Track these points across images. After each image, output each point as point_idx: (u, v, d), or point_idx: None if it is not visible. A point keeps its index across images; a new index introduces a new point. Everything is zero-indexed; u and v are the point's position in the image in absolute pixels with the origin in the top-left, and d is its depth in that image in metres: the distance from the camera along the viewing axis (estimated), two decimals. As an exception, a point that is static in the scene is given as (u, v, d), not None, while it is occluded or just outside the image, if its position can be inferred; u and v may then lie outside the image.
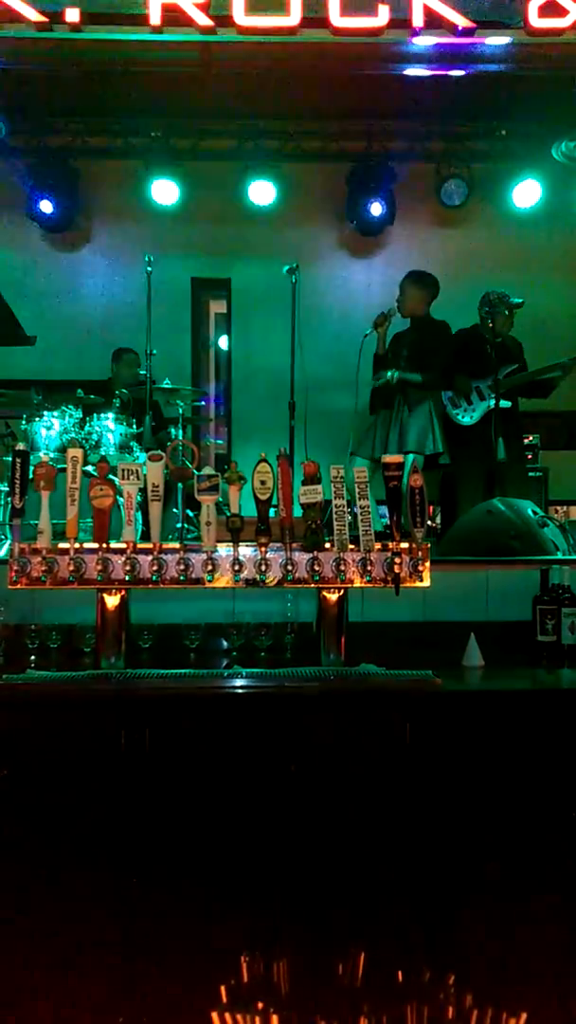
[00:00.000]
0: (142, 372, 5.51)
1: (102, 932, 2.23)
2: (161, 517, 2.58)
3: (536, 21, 4.31)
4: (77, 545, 2.50)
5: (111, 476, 2.59)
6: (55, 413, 4.87)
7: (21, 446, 2.65)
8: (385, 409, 5.18)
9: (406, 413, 5.12)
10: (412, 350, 5.17)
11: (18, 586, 2.50)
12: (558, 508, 6.24)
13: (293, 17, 4.29)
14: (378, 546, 2.54)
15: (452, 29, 4.34)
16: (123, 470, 2.56)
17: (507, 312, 5.21)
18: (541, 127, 6.27)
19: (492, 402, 4.96)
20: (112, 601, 2.59)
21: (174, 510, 4.57)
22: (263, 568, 2.50)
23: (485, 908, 2.27)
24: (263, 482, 2.51)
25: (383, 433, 5.14)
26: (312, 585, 2.56)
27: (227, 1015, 2.15)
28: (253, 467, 2.52)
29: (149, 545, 2.51)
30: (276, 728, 2.29)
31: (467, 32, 4.35)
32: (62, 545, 2.50)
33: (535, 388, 5.33)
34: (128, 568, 2.48)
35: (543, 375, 5.22)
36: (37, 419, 4.84)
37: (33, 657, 2.85)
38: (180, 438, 5.20)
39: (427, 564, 2.54)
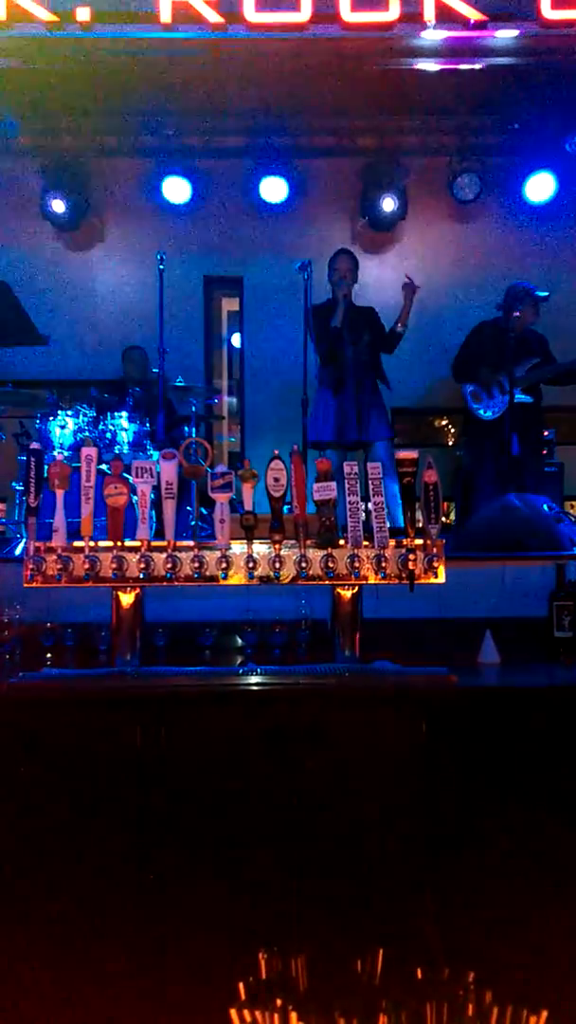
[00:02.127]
0: (154, 370, 5.52)
1: (118, 927, 2.23)
2: (175, 515, 2.58)
3: (549, 13, 4.30)
4: (92, 543, 2.50)
5: (125, 474, 2.60)
6: (69, 412, 4.90)
7: (36, 445, 2.66)
8: (335, 388, 5.13)
9: (367, 396, 5.09)
10: (373, 334, 5.17)
11: (34, 584, 2.50)
12: (574, 503, 6.20)
13: (303, 13, 4.29)
14: (392, 542, 2.53)
15: (463, 22, 4.34)
16: (137, 468, 2.56)
17: (529, 306, 5.16)
18: (554, 120, 6.22)
19: (509, 397, 4.93)
20: (127, 599, 2.60)
21: (188, 508, 4.57)
22: (277, 565, 2.50)
23: (502, 905, 2.26)
24: (276, 479, 2.50)
25: (344, 416, 5.08)
26: (326, 582, 2.55)
27: (245, 1011, 2.15)
28: (266, 464, 2.52)
29: (163, 543, 2.51)
30: (291, 725, 2.29)
31: (479, 25, 4.35)
32: (77, 543, 2.51)
33: (568, 378, 5.27)
34: (142, 566, 2.48)
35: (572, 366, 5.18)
36: (51, 418, 4.86)
37: (49, 655, 2.87)
38: (193, 436, 5.20)
39: (442, 560, 2.53)
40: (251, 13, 4.30)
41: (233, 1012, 2.15)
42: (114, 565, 2.48)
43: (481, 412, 5.28)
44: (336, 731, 2.30)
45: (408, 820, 2.27)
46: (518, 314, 5.02)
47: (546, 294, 5.12)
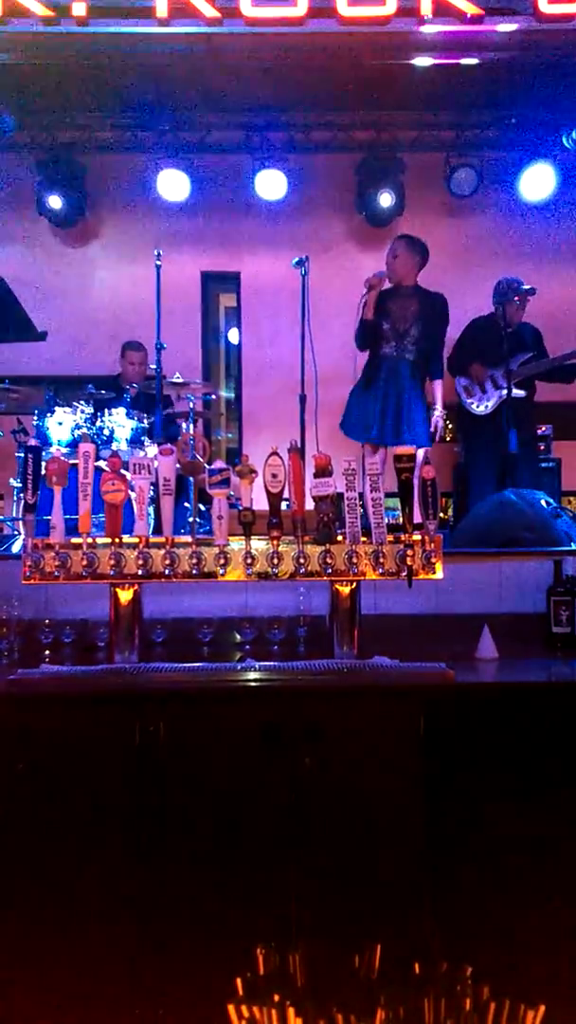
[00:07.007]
0: (152, 366, 5.52)
1: (116, 925, 2.24)
2: (173, 511, 2.58)
3: (545, 7, 4.28)
4: (90, 540, 2.50)
5: (123, 471, 2.60)
6: (66, 408, 4.90)
7: (33, 442, 2.66)
8: (376, 387, 4.99)
9: (408, 398, 4.97)
10: (423, 329, 5.02)
11: (31, 581, 2.50)
12: (571, 499, 6.20)
13: (300, 7, 4.28)
14: (390, 538, 2.53)
15: (460, 16, 4.32)
16: (135, 465, 2.56)
17: (517, 299, 5.17)
18: (552, 114, 6.22)
19: (505, 392, 4.94)
20: (125, 595, 2.60)
21: (186, 504, 4.57)
22: (275, 561, 2.50)
23: (501, 902, 2.26)
24: (274, 475, 2.50)
25: (385, 417, 4.95)
26: (324, 578, 2.55)
27: (243, 1007, 2.16)
28: (264, 460, 2.52)
29: (161, 539, 2.52)
30: (289, 721, 2.29)
31: (475, 19, 4.33)
32: (75, 540, 2.51)
33: (557, 374, 5.29)
34: (141, 562, 2.48)
35: (563, 361, 5.19)
36: (49, 415, 4.86)
37: (47, 652, 2.86)
38: (191, 432, 5.19)
39: (440, 556, 2.53)
40: (248, 7, 4.28)
41: (231, 1009, 2.16)
42: (112, 561, 2.48)
43: (474, 407, 5.29)
44: (334, 727, 2.30)
45: (406, 815, 2.27)
46: (505, 309, 5.03)
47: (532, 288, 5.12)
